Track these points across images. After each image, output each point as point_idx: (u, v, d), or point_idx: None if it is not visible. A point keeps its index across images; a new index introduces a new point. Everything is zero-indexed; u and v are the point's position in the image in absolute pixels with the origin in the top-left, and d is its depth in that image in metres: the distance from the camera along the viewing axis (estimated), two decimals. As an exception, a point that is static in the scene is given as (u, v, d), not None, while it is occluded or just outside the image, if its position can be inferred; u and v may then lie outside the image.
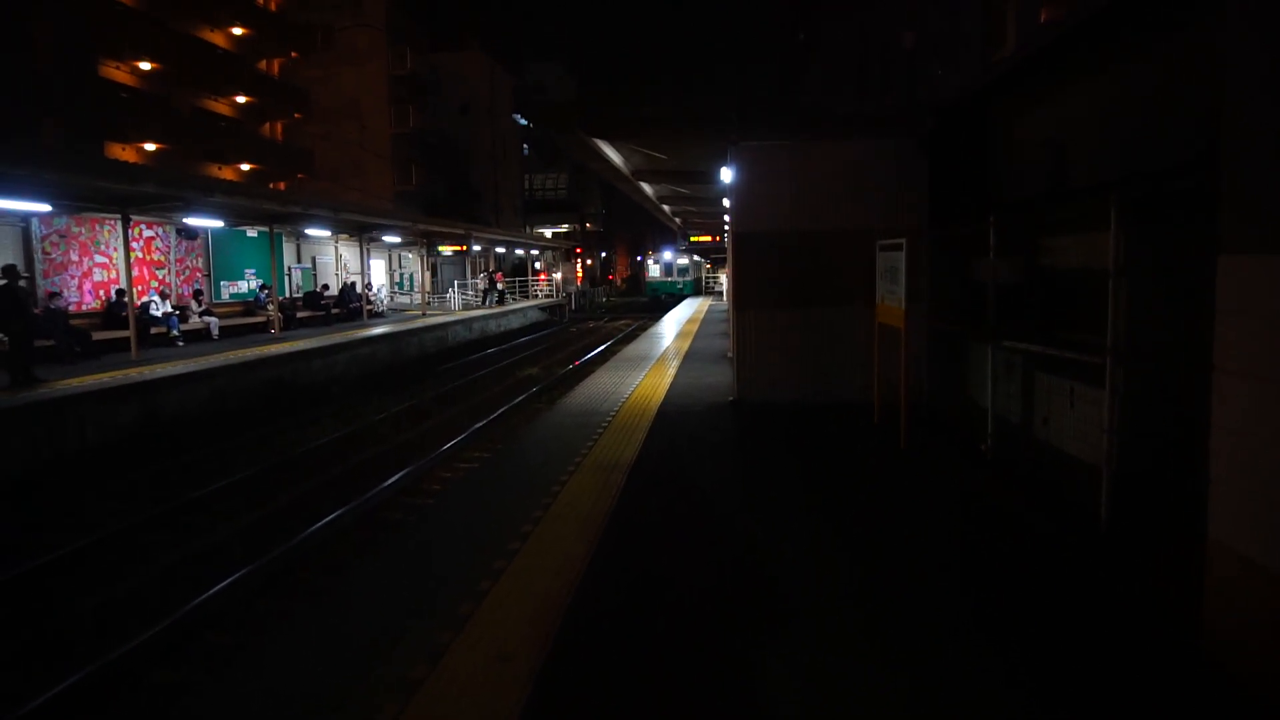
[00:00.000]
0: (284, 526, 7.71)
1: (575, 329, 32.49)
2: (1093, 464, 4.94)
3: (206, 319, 17.35)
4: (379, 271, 31.18)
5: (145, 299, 15.94)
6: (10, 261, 11.69)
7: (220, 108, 32.72)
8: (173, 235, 17.62)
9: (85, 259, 15.38)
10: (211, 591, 6.01)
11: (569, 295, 44.05)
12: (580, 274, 58.23)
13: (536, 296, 39.33)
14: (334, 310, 22.43)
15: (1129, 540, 4.48)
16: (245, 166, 33.08)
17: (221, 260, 19.43)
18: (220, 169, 31.08)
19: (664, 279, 46.54)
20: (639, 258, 48.70)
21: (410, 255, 33.28)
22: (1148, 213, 4.73)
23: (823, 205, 8.91)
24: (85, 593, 6.29)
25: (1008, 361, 6.93)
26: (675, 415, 8.78)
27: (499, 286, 33.41)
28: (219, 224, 17.43)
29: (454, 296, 30.88)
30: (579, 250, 57.44)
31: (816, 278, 8.97)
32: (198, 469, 10.00)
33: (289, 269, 22.76)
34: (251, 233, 20.15)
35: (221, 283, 19.51)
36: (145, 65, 27.49)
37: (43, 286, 14.10)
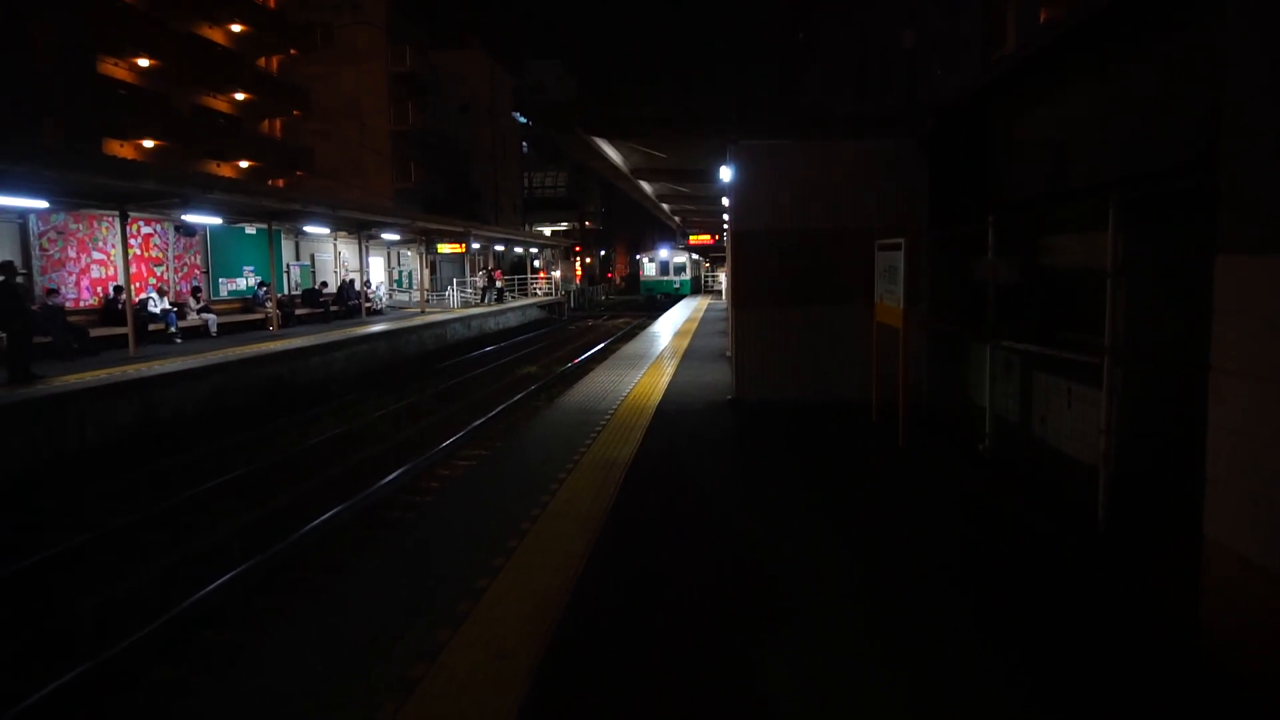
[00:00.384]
0: (283, 524, 7.70)
1: (574, 327, 32.48)
2: (1090, 464, 4.94)
3: (205, 316, 17.33)
4: (378, 269, 31.15)
5: (143, 296, 15.92)
6: (8, 258, 11.67)
7: (219, 105, 32.67)
8: (171, 232, 17.59)
9: (83, 256, 15.35)
10: (210, 588, 6.02)
11: (568, 293, 44.01)
12: (579, 272, 58.23)
13: (535, 295, 39.32)
14: (332, 308, 22.42)
15: (1127, 540, 4.48)
16: (244, 164, 33.04)
17: (220, 257, 19.41)
18: (219, 166, 31.04)
19: (659, 278, 43.92)
20: (636, 256, 46.91)
21: (409, 253, 33.25)
22: (1147, 213, 4.73)
23: (822, 204, 8.91)
24: (84, 591, 6.28)
25: (1006, 361, 6.93)
26: (674, 413, 8.78)
27: (498, 284, 33.39)
28: (217, 221, 17.41)
29: (453, 294, 30.86)
30: (578, 248, 57.43)
31: (815, 277, 8.97)
32: (196, 467, 9.99)
33: (288, 266, 22.74)
34: (250, 230, 20.13)
35: (220, 280, 19.48)
36: (144, 63, 27.44)
37: (40, 283, 14.09)
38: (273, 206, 17.20)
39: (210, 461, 10.23)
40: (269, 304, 19.14)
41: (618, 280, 71.77)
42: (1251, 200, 3.03)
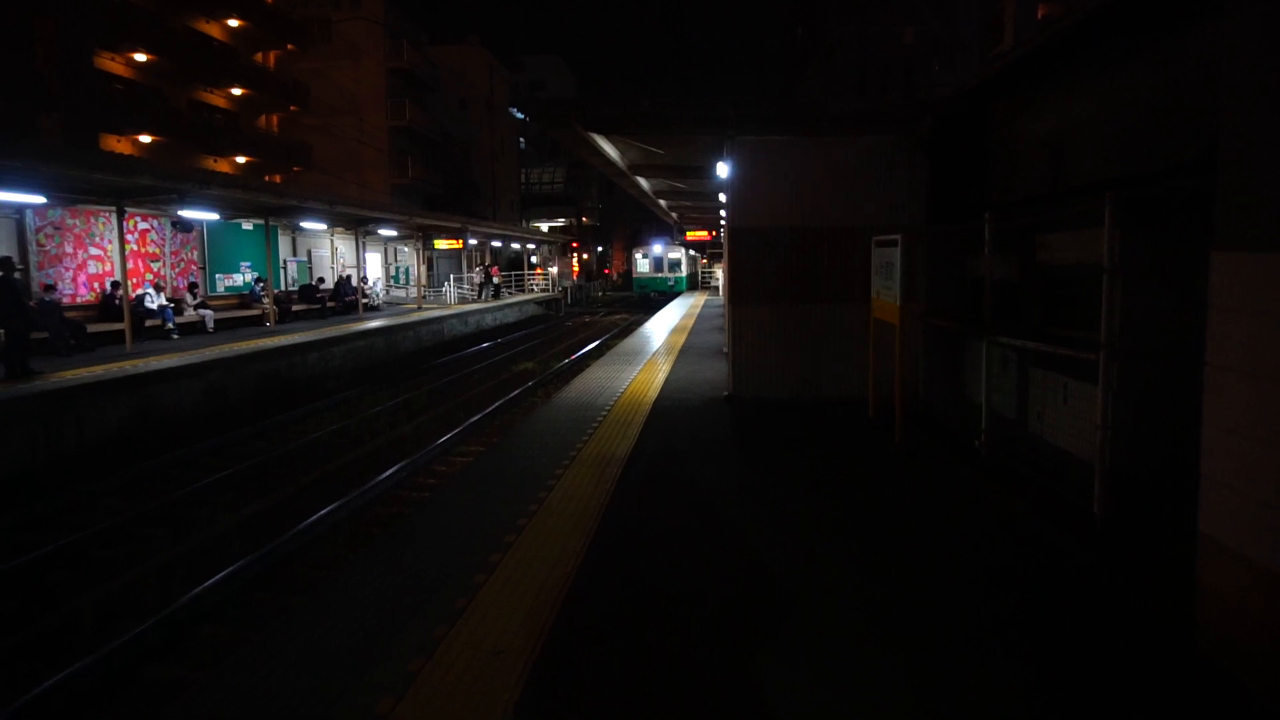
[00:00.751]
0: (280, 521, 7.72)
1: (571, 323, 32.47)
2: (1086, 460, 4.96)
3: (202, 312, 17.31)
4: (375, 265, 31.11)
5: (140, 291, 15.90)
6: (6, 254, 11.66)
7: (216, 100, 32.61)
8: (168, 228, 17.56)
9: (80, 251, 15.32)
10: (207, 585, 6.03)
11: (565, 290, 43.90)
12: (576, 268, 58.19)
13: (532, 291, 39.29)
14: (329, 304, 22.40)
15: (1124, 535, 4.50)
16: (241, 159, 32.99)
17: (217, 253, 19.38)
18: (216, 162, 30.98)
19: (653, 275, 42.01)
20: (632, 251, 45.60)
21: (406, 249, 33.21)
22: (1144, 212, 4.75)
23: (819, 201, 8.93)
24: (81, 587, 6.30)
25: (1002, 358, 6.95)
26: (670, 410, 8.80)
27: (495, 281, 33.37)
28: (214, 217, 17.38)
29: (450, 290, 30.84)
30: (575, 244, 57.35)
31: (812, 273, 8.99)
32: (193, 463, 9.99)
33: (284, 262, 22.71)
34: (247, 226, 20.10)
35: (217, 276, 19.46)
36: (141, 58, 27.40)
37: (37, 279, 14.07)
38: (270, 202, 17.17)
39: (207, 457, 10.24)
40: (266, 300, 19.13)
41: (615, 276, 71.72)
42: (1247, 198, 3.05)
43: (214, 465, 9.85)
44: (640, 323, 23.54)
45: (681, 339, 16.53)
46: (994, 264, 6.31)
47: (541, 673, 3.23)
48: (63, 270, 14.90)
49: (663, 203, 22.35)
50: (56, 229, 14.75)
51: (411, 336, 20.44)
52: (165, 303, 16.28)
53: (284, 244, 22.78)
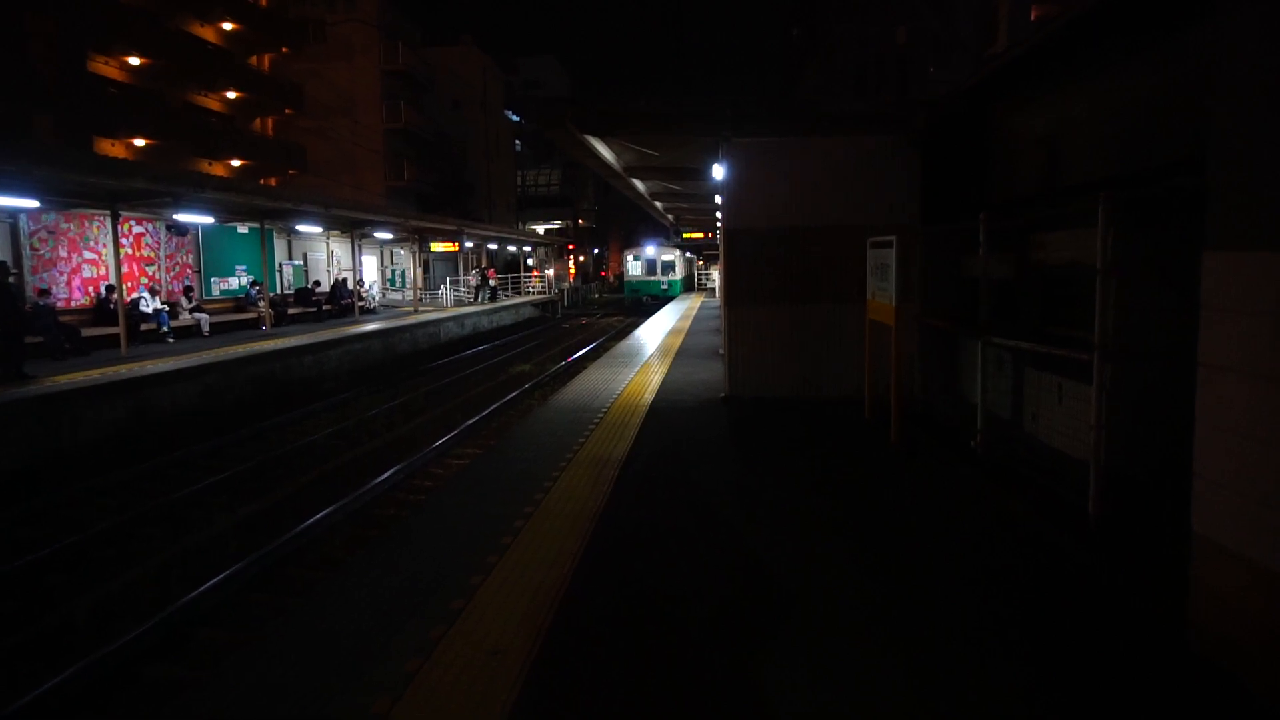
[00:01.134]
0: (277, 523, 7.71)
1: (568, 325, 32.47)
2: (1081, 459, 4.97)
3: (197, 315, 17.28)
4: (371, 268, 31.09)
5: (135, 295, 15.87)
6: (1, 259, 11.64)
7: (211, 103, 32.55)
8: (163, 231, 17.54)
9: (74, 255, 15.29)
10: (205, 587, 6.02)
11: (561, 292, 43.86)
12: (573, 270, 58.18)
13: (529, 293, 39.26)
14: (325, 307, 22.37)
15: (1119, 534, 4.52)
16: (236, 162, 32.93)
17: (212, 256, 19.36)
18: (211, 165, 30.93)
19: (645, 278, 39.21)
20: (623, 253, 43.42)
21: (402, 251, 33.18)
22: (1138, 211, 4.76)
23: (815, 202, 8.94)
24: (79, 589, 6.28)
25: (998, 358, 6.97)
26: (667, 411, 8.80)
27: (491, 283, 33.35)
28: (209, 220, 17.36)
29: (446, 293, 30.82)
30: (571, 246, 57.35)
31: (808, 274, 9.00)
32: (189, 465, 9.97)
33: (280, 265, 22.69)
34: (243, 229, 20.07)
35: (212, 279, 19.43)
36: (135, 60, 27.34)
37: (31, 283, 14.03)
38: (265, 205, 17.15)
39: (203, 460, 10.21)
40: (261, 303, 19.09)
41: (611, 278, 71.77)
42: (1246, 197, 3.06)
43: (209, 468, 9.82)
44: (636, 325, 23.54)
45: (678, 341, 16.54)
46: (991, 264, 6.32)
47: (539, 673, 3.23)
48: (57, 274, 14.87)
49: (659, 205, 22.38)
50: (50, 233, 14.72)
51: (408, 339, 20.42)
52: (160, 306, 16.25)
53: (279, 247, 22.75)
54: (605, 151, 11.81)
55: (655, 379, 11.19)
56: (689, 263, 44.42)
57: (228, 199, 15.44)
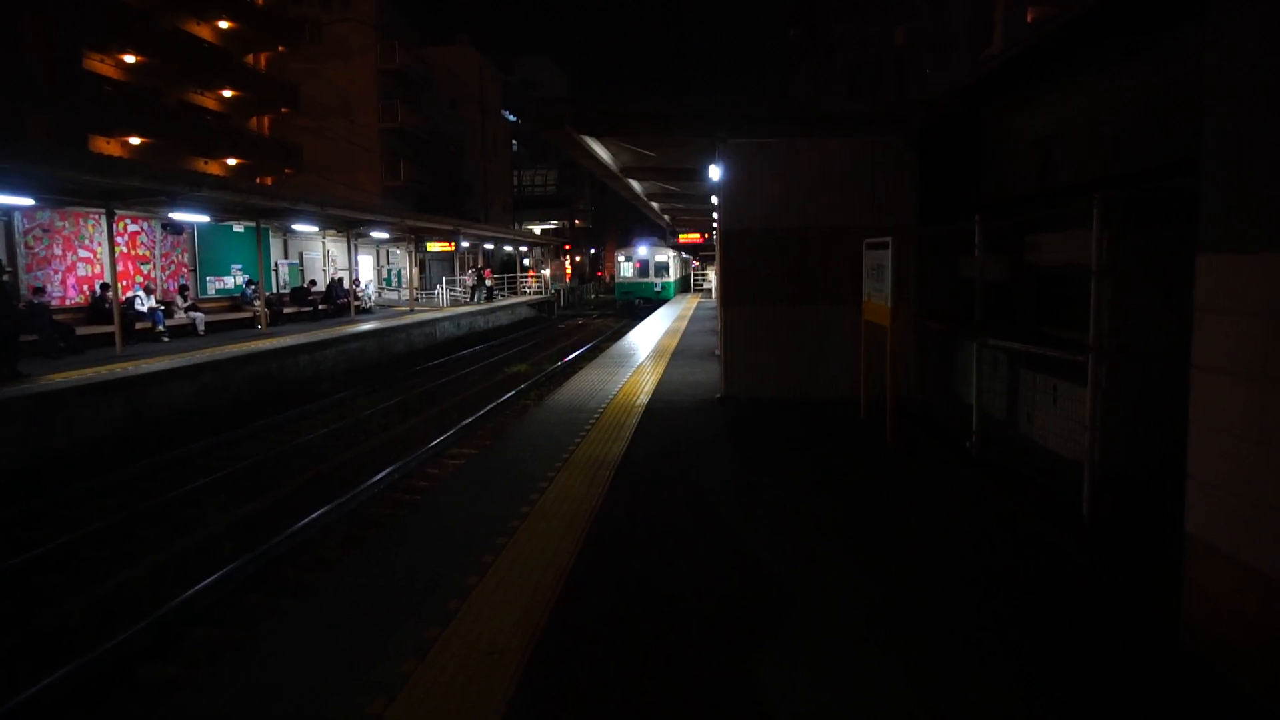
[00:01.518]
0: (272, 523, 7.69)
1: (564, 325, 32.46)
2: (1076, 460, 4.98)
3: (192, 314, 17.24)
4: (367, 267, 31.06)
5: (130, 294, 15.82)
6: (-6, 256, 11.61)
7: (207, 102, 32.47)
8: (158, 230, 17.49)
9: (69, 253, 15.25)
10: (200, 586, 6.00)
11: (558, 292, 43.85)
12: (569, 270, 58.19)
13: (525, 293, 39.24)
14: (321, 306, 22.34)
15: (1114, 536, 4.53)
16: (232, 161, 32.85)
17: (208, 255, 19.32)
18: (207, 163, 30.85)
19: (637, 279, 37.10)
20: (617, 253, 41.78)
21: (398, 251, 33.15)
22: (1134, 212, 4.77)
23: (811, 203, 8.95)
24: (73, 589, 6.26)
25: (993, 359, 6.98)
26: (663, 412, 8.80)
27: (487, 283, 33.33)
28: (205, 219, 17.31)
29: (442, 293, 30.79)
30: (568, 247, 57.35)
31: (804, 275, 9.01)
32: (184, 465, 9.94)
33: (276, 264, 22.64)
34: (238, 228, 20.03)
35: (208, 278, 19.39)
36: (131, 59, 27.26)
37: (26, 281, 13.99)
38: (261, 204, 17.11)
39: (198, 460, 10.18)
40: (257, 302, 19.05)
41: (608, 278, 71.74)
42: (1229, 198, 3.07)
43: (204, 468, 9.80)
44: (632, 325, 23.55)
45: (675, 341, 16.54)
46: (987, 264, 6.34)
47: (535, 673, 3.22)
48: (51, 273, 14.82)
49: (655, 205, 22.38)
50: (45, 231, 14.67)
51: (404, 339, 20.39)
52: (156, 305, 16.21)
53: (275, 246, 22.71)
54: (602, 152, 11.81)
55: (651, 379, 11.19)
56: (684, 263, 43.46)
57: (223, 198, 15.40)
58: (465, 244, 33.56)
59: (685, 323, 21.33)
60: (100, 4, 25.32)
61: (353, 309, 22.99)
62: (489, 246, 38.07)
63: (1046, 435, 6.18)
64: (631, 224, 66.26)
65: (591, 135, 10.18)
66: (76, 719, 4.66)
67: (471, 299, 31.84)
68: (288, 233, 22.96)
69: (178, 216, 16.27)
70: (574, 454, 6.88)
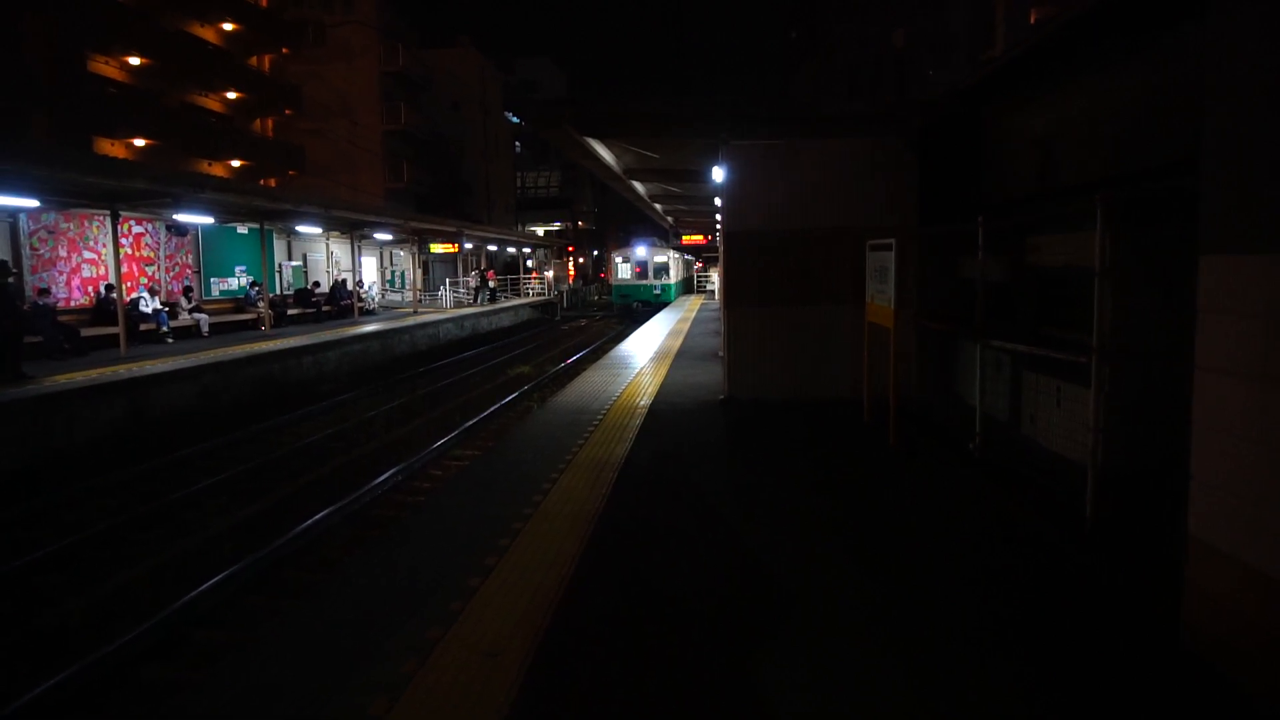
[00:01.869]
0: (274, 524, 7.70)
1: (567, 327, 32.48)
2: (1079, 462, 4.98)
3: (196, 316, 17.28)
4: (370, 269, 31.09)
5: (135, 295, 15.87)
6: (2, 258, 11.64)
7: (210, 104, 32.52)
8: (162, 231, 17.54)
9: (74, 255, 15.29)
10: (203, 588, 6.02)
11: (561, 293, 43.84)
12: (572, 272, 58.19)
13: (528, 294, 39.26)
14: (325, 308, 22.37)
15: (1117, 537, 4.52)
16: (236, 163, 32.90)
17: (212, 257, 19.36)
18: (210, 165, 30.91)
19: (636, 282, 35.33)
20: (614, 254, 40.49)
21: (402, 253, 33.19)
22: (1136, 213, 4.77)
23: (814, 204, 8.95)
24: (74, 590, 6.27)
25: (996, 360, 6.98)
26: (666, 413, 8.80)
27: (490, 284, 33.36)
28: (209, 220, 17.36)
29: (445, 294, 30.82)
30: (571, 248, 57.35)
31: (807, 276, 9.01)
32: (187, 466, 9.97)
33: (280, 266, 22.69)
34: (242, 229, 20.08)
35: (212, 279, 19.43)
36: (134, 61, 27.32)
37: (31, 283, 14.03)
38: (264, 206, 17.16)
39: (201, 461, 10.21)
40: (261, 304, 19.09)
41: (610, 280, 71.72)
42: (1230, 200, 3.07)
43: (206, 469, 9.82)
44: (636, 328, 23.55)
45: (677, 343, 16.54)
46: (989, 265, 6.33)
47: (538, 675, 3.23)
48: (56, 274, 14.87)
49: (658, 207, 22.40)
50: (50, 233, 14.72)
51: (407, 341, 20.42)
52: (160, 306, 16.25)
53: (279, 248, 22.76)
54: (604, 153, 11.82)
55: (654, 381, 11.20)
56: (686, 265, 42.47)
57: (227, 199, 15.45)
58: (468, 245, 33.59)
59: (688, 324, 21.34)
60: (101, 4, 25.38)
61: (356, 310, 23.03)
62: (492, 248, 38.08)
63: (1049, 436, 6.17)
64: (634, 225, 66.23)
65: (591, 136, 10.19)
66: (79, 719, 4.68)
67: (475, 301, 31.86)
68: (291, 234, 23.01)
69: (182, 218, 16.32)
70: (577, 455, 6.89)
